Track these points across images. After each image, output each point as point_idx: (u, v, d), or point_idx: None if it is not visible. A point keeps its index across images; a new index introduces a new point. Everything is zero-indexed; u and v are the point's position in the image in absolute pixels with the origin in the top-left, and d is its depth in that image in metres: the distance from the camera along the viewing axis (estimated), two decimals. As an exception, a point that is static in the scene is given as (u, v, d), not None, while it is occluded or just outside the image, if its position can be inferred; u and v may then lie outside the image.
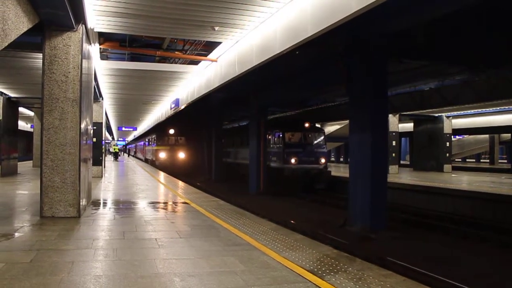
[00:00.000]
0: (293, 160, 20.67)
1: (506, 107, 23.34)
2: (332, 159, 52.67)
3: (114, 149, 47.06)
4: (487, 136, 44.43)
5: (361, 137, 11.37)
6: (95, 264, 4.77)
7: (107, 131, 44.53)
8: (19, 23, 5.10)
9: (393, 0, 5.27)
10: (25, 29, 5.41)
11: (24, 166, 23.67)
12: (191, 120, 30.94)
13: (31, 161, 25.93)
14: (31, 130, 28.94)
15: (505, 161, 55.29)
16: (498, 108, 23.91)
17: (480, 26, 10.12)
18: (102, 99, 17.95)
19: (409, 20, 9.22)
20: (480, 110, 25.11)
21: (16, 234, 6.17)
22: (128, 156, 69.75)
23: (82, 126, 7.72)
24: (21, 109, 22.19)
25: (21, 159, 24.43)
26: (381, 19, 9.30)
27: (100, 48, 11.93)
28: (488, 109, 24.79)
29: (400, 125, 26.98)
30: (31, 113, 25.48)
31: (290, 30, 7.76)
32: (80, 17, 7.35)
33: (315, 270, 4.71)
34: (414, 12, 8.73)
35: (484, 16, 9.53)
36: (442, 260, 8.98)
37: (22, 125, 33.20)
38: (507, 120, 26.52)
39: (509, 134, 36.41)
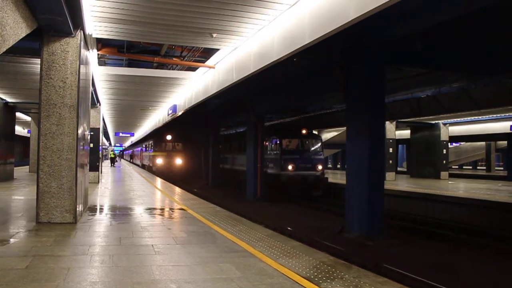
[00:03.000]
0: (290, 167, 20.68)
1: (503, 115, 23.44)
2: (329, 165, 52.74)
3: (112, 154, 46.99)
4: (483, 143, 44.55)
5: (358, 144, 11.39)
6: (91, 270, 4.75)
7: (104, 136, 44.47)
8: (18, 29, 5.11)
9: (390, 8, 5.30)
10: (23, 35, 5.42)
11: (21, 171, 23.59)
12: (188, 126, 30.93)
13: (28, 167, 25.84)
14: (28, 135, 28.88)
15: (502, 168, 55.40)
16: (495, 115, 24.02)
17: (478, 34, 10.19)
18: (100, 104, 17.93)
19: (406, 28, 9.28)
20: (476, 117, 25.22)
21: (12, 240, 6.15)
22: (131, 161, 69.41)
23: (79, 131, 7.71)
24: (18, 114, 22.17)
25: (17, 164, 24.37)
26: (378, 27, 9.36)
27: (98, 54, 11.94)
28: (484, 117, 24.90)
29: (397, 132, 27.06)
30: (28, 118, 25.43)
31: (287, 38, 7.79)
32: (78, 23, 7.37)
33: (312, 277, 4.71)
34: (412, 20, 8.78)
35: (482, 24, 9.60)
36: (440, 268, 8.98)
37: (19, 130, 33.14)
38: (503, 128, 26.63)
39: (505, 142, 36.49)
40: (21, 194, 12.52)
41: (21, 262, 4.89)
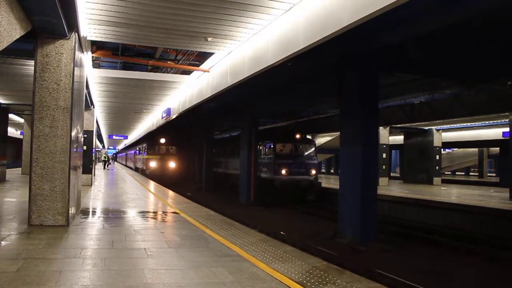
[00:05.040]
0: (283, 171, 20.68)
1: (495, 121, 23.62)
2: (323, 170, 52.85)
3: (104, 157, 46.70)
4: (476, 149, 44.85)
5: (352, 149, 11.43)
6: (83, 273, 4.73)
7: (98, 139, 44.30)
8: (12, 30, 5.10)
9: (384, 15, 5.34)
10: (17, 36, 5.40)
11: (13, 173, 23.44)
12: (182, 129, 30.89)
13: (20, 168, 25.68)
14: (21, 137, 28.70)
15: (494, 174, 55.74)
16: (487, 122, 24.20)
17: (472, 40, 10.27)
18: (94, 107, 17.86)
19: (399, 35, 9.34)
20: (469, 124, 25.40)
21: (3, 243, 6.10)
22: (125, 164, 69.07)
23: (73, 134, 7.68)
24: (11, 116, 22.05)
25: (9, 166, 24.22)
26: (372, 33, 9.40)
27: (92, 57, 11.91)
28: (477, 123, 25.08)
29: (391, 138, 27.16)
30: (21, 120, 25.30)
31: (282, 43, 7.82)
32: (73, 25, 7.35)
33: (304, 282, 4.71)
34: (404, 27, 8.84)
35: (476, 31, 9.67)
36: (432, 274, 9.00)
37: (12, 131, 32.94)
38: (495, 134, 26.82)
39: (498, 148, 36.76)
40: (13, 196, 12.43)
41: (12, 265, 4.86)
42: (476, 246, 11.47)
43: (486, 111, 18.49)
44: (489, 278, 8.86)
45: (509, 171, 21.74)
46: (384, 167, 25.06)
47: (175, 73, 14.78)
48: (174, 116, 18.53)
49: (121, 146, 71.41)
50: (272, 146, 21.49)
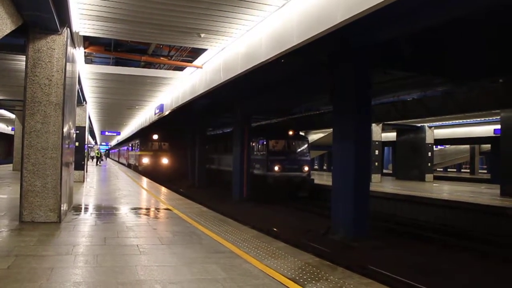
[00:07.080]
0: (276, 168, 20.69)
1: (486, 119, 23.80)
2: (316, 167, 52.96)
3: (96, 153, 46.42)
4: (467, 146, 45.14)
5: (344, 146, 11.45)
6: (75, 270, 4.71)
7: (90, 135, 44.06)
8: (2, 25, 5.05)
9: (377, 12, 5.35)
10: (8, 31, 5.36)
11: (4, 170, 23.28)
12: (175, 126, 30.81)
13: (11, 165, 25.50)
14: (12, 133, 28.51)
15: (485, 171, 56.14)
16: (478, 119, 24.37)
17: (463, 39, 10.32)
18: (86, 103, 17.77)
19: (392, 32, 9.36)
20: (461, 121, 25.55)
21: (-6, 239, 6.07)
22: (117, 161, 68.62)
23: (65, 130, 7.64)
24: (2, 112, 21.90)
25: (0, 162, 24.05)
26: (365, 30, 9.42)
27: (84, 52, 11.83)
28: (469, 120, 25.24)
29: (383, 135, 27.26)
30: (13, 116, 25.11)
31: (275, 39, 7.81)
32: (65, 21, 7.29)
33: (297, 278, 4.72)
34: (398, 24, 8.86)
35: (468, 29, 9.72)
36: (424, 270, 9.05)
37: (3, 127, 32.71)
38: (487, 131, 27.01)
39: (489, 145, 37.01)
40: (4, 193, 12.35)
41: (2, 262, 4.83)
42: (468, 242, 11.55)
43: (478, 108, 18.60)
44: (482, 273, 8.92)
45: (500, 168, 21.89)
46: (376, 163, 25.18)
47: (168, 69, 14.73)
48: (167, 112, 18.48)
49: (113, 142, 71.07)
50: (265, 143, 21.48)
